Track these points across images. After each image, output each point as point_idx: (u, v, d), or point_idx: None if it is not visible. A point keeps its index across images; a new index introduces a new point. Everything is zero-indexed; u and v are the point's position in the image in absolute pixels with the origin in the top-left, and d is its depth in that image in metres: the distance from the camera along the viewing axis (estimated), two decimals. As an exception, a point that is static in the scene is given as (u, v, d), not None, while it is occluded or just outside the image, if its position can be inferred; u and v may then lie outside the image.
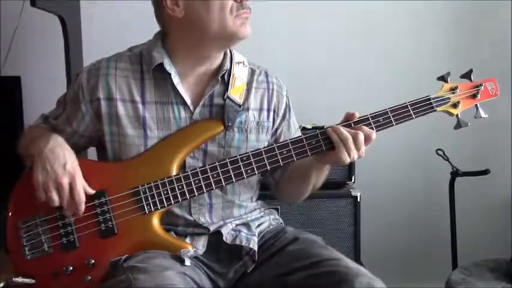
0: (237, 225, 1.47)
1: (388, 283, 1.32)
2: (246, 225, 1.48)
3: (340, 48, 2.45)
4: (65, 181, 1.30)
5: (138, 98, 1.42)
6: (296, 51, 2.42)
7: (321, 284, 1.30)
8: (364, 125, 1.40)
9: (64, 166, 1.31)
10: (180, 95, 1.42)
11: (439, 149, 2.18)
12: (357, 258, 2.03)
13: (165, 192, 1.37)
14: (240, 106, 1.46)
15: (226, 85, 1.45)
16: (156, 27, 1.48)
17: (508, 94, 2.33)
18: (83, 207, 1.32)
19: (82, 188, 1.32)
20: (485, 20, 2.45)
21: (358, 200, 2.04)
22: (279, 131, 1.56)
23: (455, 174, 2.19)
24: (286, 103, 1.57)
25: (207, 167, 1.38)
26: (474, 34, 2.45)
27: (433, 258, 2.41)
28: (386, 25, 2.45)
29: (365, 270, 1.31)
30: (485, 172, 2.17)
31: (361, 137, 1.35)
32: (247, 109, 1.49)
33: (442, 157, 2.18)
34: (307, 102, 2.24)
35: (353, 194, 2.04)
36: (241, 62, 1.51)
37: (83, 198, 1.32)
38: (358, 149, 1.35)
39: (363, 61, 2.45)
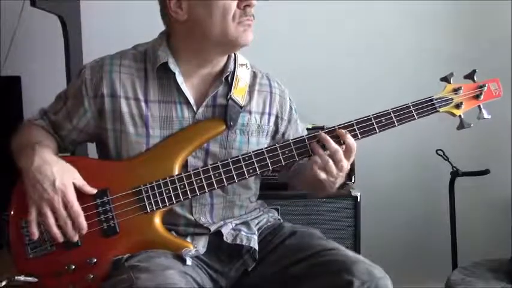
0: (236, 224, 1.47)
1: (388, 283, 1.31)
2: (246, 224, 1.48)
3: (340, 48, 2.45)
4: (57, 199, 1.29)
5: (141, 96, 1.41)
6: (296, 51, 2.42)
7: (321, 274, 1.31)
8: (366, 125, 1.41)
9: (53, 183, 1.29)
10: (184, 94, 1.42)
11: (439, 149, 2.18)
12: (357, 258, 2.03)
13: (167, 191, 1.37)
14: (241, 107, 1.46)
15: (229, 86, 1.45)
16: (156, 28, 1.47)
17: (508, 94, 2.32)
18: (82, 219, 1.31)
19: (75, 200, 1.31)
20: (485, 20, 2.45)
21: (358, 200, 2.03)
22: (286, 134, 1.57)
23: (455, 174, 2.19)
24: (290, 106, 1.57)
25: (209, 166, 1.38)
26: (474, 34, 2.45)
27: (433, 258, 2.40)
28: (386, 25, 2.45)
29: (364, 258, 1.31)
30: (485, 172, 2.17)
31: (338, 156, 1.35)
32: (250, 112, 1.49)
33: (442, 157, 2.18)
34: (307, 102, 2.23)
35: (353, 194, 2.03)
36: (244, 64, 1.51)
37: (78, 210, 1.31)
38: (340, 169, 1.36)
39: (363, 61, 2.45)
